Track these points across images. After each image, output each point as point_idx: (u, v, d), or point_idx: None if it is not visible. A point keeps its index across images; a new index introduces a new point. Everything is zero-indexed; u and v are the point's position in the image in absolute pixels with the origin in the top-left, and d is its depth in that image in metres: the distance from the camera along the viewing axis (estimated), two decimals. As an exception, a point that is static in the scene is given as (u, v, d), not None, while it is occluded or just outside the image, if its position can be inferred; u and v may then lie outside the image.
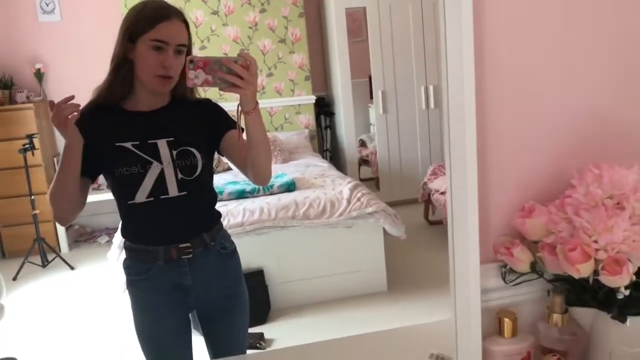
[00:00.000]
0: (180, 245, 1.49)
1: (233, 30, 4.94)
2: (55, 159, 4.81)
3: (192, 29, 1.48)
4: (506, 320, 0.94)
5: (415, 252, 3.99)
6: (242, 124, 1.35)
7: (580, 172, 0.90)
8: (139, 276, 1.52)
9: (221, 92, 1.28)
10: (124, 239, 1.56)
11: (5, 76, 4.66)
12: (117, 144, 1.44)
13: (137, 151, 1.44)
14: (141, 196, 1.45)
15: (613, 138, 0.96)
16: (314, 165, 4.29)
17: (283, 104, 5.16)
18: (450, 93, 0.86)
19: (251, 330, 2.96)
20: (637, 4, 0.94)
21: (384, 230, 3.33)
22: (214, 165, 1.58)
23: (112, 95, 1.46)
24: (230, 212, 3.13)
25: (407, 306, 3.21)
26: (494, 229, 0.95)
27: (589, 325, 0.95)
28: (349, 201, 3.26)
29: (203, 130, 1.52)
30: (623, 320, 0.86)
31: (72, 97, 1.29)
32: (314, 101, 5.25)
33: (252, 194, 3.40)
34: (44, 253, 4.25)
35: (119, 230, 3.19)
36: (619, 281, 0.82)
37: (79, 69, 4.82)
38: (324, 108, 5.47)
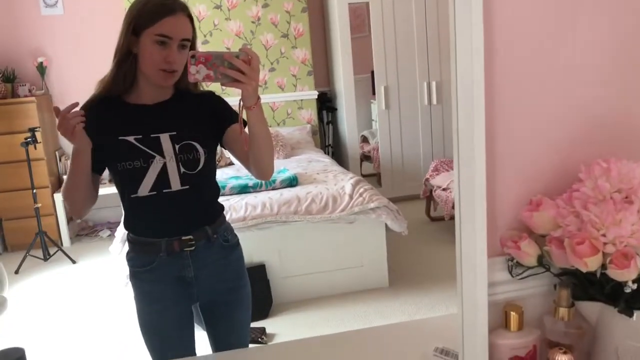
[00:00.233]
0: (183, 238, 1.49)
1: (236, 24, 4.93)
2: (57, 152, 4.81)
3: (195, 23, 1.48)
4: (512, 313, 0.93)
5: (417, 249, 4.00)
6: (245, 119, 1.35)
7: (588, 166, 0.90)
8: (142, 268, 1.52)
9: (223, 87, 1.28)
10: (127, 231, 1.56)
11: (7, 69, 4.65)
12: (120, 138, 1.44)
13: (140, 145, 1.44)
14: (144, 190, 1.45)
15: (621, 132, 0.96)
16: (316, 161, 4.29)
17: (285, 99, 5.15)
18: (459, 86, 0.86)
19: (253, 324, 2.97)
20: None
21: (386, 226, 3.33)
22: (216, 160, 1.58)
23: (115, 88, 1.46)
24: (233, 207, 3.13)
25: (408, 302, 3.22)
26: (501, 222, 0.95)
27: (595, 319, 0.94)
28: (351, 197, 3.26)
29: (206, 124, 1.52)
30: (630, 315, 0.86)
31: (76, 104, 1.30)
32: (316, 96, 5.24)
33: (254, 188, 3.40)
34: (45, 247, 4.26)
35: (121, 224, 3.21)
36: (627, 275, 0.81)
37: (81, 62, 4.82)
38: (326, 103, 5.47)
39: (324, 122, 5.52)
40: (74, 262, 4.21)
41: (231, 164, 4.39)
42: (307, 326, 3.01)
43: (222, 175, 3.76)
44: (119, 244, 3.04)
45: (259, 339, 2.84)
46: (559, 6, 0.91)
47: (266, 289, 3.19)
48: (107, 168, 1.49)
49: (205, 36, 4.85)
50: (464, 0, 0.82)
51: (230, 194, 3.34)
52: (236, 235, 1.64)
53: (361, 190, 3.32)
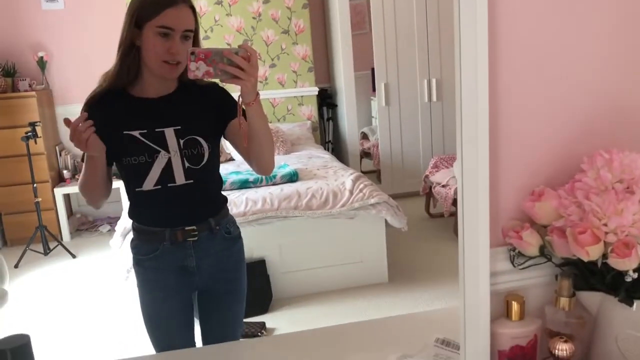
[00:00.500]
0: (186, 228, 1.51)
1: (237, 20, 4.93)
2: (57, 147, 4.81)
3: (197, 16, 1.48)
4: (514, 303, 0.94)
5: (416, 244, 4.01)
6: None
7: (590, 156, 0.91)
8: (146, 256, 1.54)
9: (222, 83, 1.29)
10: (132, 220, 1.58)
11: (8, 64, 4.65)
12: (125, 132, 1.44)
13: (145, 140, 1.45)
14: (149, 184, 1.46)
15: (624, 123, 0.97)
16: (316, 157, 4.30)
17: (286, 95, 5.15)
18: (463, 79, 0.86)
19: (253, 319, 2.99)
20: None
21: (386, 222, 3.34)
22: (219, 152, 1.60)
23: (119, 81, 1.46)
24: (233, 202, 3.14)
25: (407, 297, 3.23)
26: (504, 212, 0.95)
27: (595, 309, 0.95)
28: (351, 192, 3.27)
29: (210, 117, 1.53)
30: (630, 304, 0.87)
31: (86, 116, 1.31)
32: (316, 93, 5.25)
33: (254, 184, 3.41)
34: (45, 241, 4.26)
35: (121, 219, 3.22)
36: (628, 264, 0.82)
37: (82, 57, 4.82)
38: (326, 100, 5.47)
39: (324, 118, 5.52)
40: (74, 256, 4.22)
41: (232, 159, 4.39)
42: (307, 321, 3.02)
43: (222, 170, 3.70)
44: (119, 238, 3.05)
45: (259, 334, 2.85)
46: (563, -2, 0.91)
47: (266, 284, 3.20)
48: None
49: (206, 32, 4.85)
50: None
51: (231, 189, 3.35)
52: (238, 227, 1.65)
53: (361, 186, 3.33)
